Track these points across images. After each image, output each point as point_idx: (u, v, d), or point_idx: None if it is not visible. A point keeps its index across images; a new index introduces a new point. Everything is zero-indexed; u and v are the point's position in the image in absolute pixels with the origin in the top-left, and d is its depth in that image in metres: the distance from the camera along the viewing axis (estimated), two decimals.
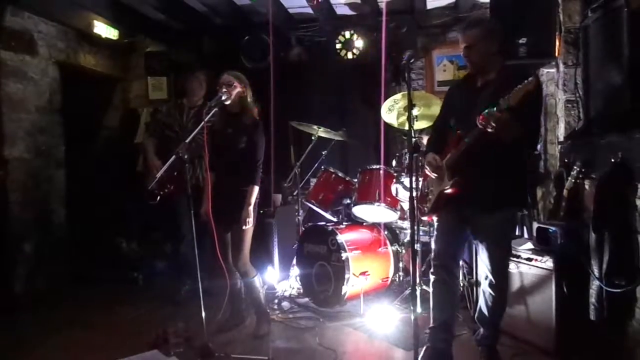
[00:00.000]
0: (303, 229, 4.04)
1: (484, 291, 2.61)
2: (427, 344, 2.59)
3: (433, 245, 2.91)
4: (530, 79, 2.09)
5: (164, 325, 3.08)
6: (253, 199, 3.05)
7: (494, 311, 2.60)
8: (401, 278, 3.85)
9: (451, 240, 2.61)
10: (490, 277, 2.53)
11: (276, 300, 3.81)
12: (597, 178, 2.69)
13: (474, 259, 3.37)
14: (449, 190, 2.48)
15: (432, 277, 2.64)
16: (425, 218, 3.22)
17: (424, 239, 3.83)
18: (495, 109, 2.15)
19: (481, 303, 2.66)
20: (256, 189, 3.06)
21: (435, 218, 2.93)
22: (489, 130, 2.19)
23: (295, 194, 4.20)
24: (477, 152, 2.37)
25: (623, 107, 2.59)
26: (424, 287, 3.52)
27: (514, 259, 2.96)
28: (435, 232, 3.00)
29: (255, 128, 3.09)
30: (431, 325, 2.61)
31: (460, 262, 2.91)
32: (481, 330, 2.70)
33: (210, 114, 2.90)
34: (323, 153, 4.26)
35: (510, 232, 2.65)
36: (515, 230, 3.00)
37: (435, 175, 2.56)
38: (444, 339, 2.57)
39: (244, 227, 3.03)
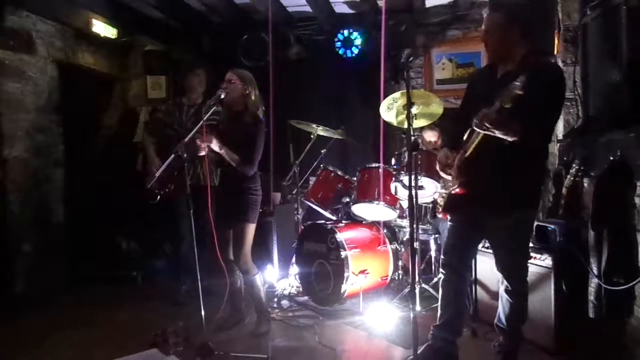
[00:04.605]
0: (302, 227, 4.04)
1: (501, 296, 2.50)
2: (428, 341, 2.57)
3: (443, 244, 2.84)
4: (517, 82, 1.95)
5: (163, 324, 3.08)
6: (224, 154, 2.93)
7: (511, 319, 2.48)
8: (400, 276, 3.85)
9: (459, 243, 2.51)
10: (506, 283, 2.43)
11: (276, 299, 3.81)
12: (596, 176, 2.69)
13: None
14: (455, 191, 2.40)
15: (441, 276, 2.60)
16: (440, 215, 3.21)
17: (423, 237, 3.85)
18: (490, 109, 2.07)
19: (499, 310, 2.54)
20: (235, 159, 2.98)
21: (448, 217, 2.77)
22: (484, 131, 2.13)
23: (294, 192, 4.20)
24: (485, 151, 2.24)
25: (622, 104, 2.59)
26: (423, 285, 3.54)
27: None
28: (446, 231, 2.93)
29: (256, 127, 3.07)
30: (435, 323, 2.58)
31: (471, 264, 2.80)
32: (500, 337, 2.60)
33: (209, 112, 2.90)
34: (322, 151, 4.25)
35: (527, 234, 2.49)
36: (532, 233, 2.73)
37: (448, 173, 2.44)
38: (442, 338, 2.54)
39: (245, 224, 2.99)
